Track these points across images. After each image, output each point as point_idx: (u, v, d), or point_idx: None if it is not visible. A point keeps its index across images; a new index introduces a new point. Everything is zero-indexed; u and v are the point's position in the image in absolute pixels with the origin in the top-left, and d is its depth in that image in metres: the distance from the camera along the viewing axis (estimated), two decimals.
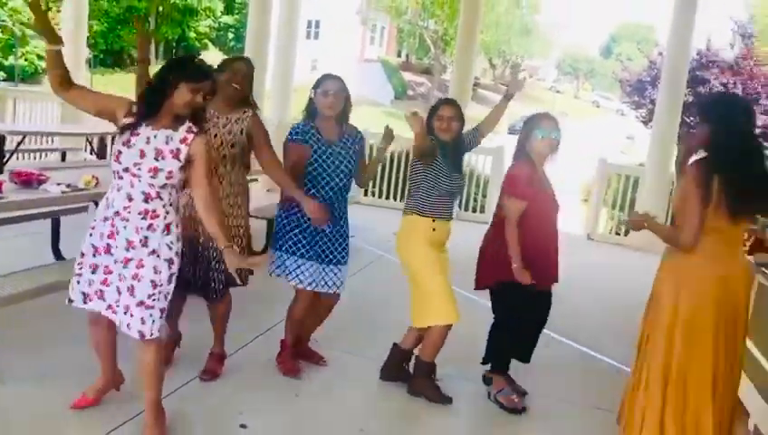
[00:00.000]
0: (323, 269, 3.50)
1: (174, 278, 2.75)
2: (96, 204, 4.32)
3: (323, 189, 3.44)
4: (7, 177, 3.72)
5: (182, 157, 2.65)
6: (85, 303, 2.76)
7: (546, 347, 3.94)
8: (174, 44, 45.01)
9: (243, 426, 3.07)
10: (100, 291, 2.72)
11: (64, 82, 2.69)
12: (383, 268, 5.51)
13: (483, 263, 3.55)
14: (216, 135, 3.26)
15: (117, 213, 2.67)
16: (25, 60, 35.68)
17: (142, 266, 2.66)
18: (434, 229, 3.46)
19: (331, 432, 3.17)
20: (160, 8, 42.27)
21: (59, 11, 12.98)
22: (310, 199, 3.31)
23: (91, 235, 2.74)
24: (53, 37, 2.68)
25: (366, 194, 9.29)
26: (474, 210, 9.23)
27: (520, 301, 3.39)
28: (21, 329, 3.59)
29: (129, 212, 2.66)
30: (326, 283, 3.52)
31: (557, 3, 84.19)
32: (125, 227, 2.67)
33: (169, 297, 2.74)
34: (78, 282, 2.76)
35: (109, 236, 2.69)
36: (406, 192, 3.70)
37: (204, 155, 2.69)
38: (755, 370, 3.67)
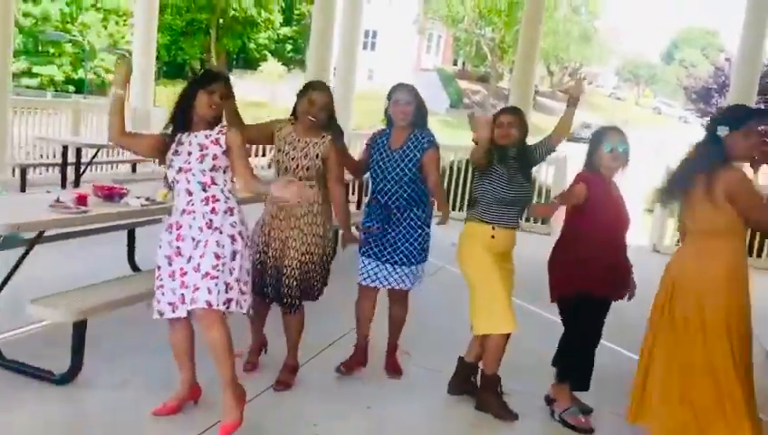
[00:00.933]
0: (385, 268, 3.65)
1: (239, 257, 2.91)
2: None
3: (379, 193, 3.65)
4: (91, 190, 3.88)
5: (222, 143, 2.94)
6: (174, 312, 2.91)
7: (611, 359, 3.84)
8: (234, 56, 46.05)
9: None
10: (182, 295, 2.88)
11: (123, 129, 3.00)
12: (444, 279, 5.51)
13: (554, 274, 3.50)
14: (293, 157, 3.37)
15: (183, 211, 2.91)
16: (94, 73, 37.06)
17: (206, 244, 2.88)
18: (493, 236, 3.44)
19: None
20: (221, 21, 43.34)
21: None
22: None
23: (160, 246, 2.96)
24: (123, 86, 3.00)
25: None
26: (536, 221, 9.13)
27: (594, 313, 3.36)
28: (105, 338, 3.72)
29: (194, 205, 2.92)
30: (387, 280, 3.67)
31: (617, 8, 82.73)
32: (194, 219, 2.91)
33: (235, 274, 2.89)
34: (162, 293, 2.92)
35: (177, 239, 2.91)
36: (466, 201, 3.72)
37: (240, 145, 2.98)
38: None
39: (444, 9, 40.35)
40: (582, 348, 3.44)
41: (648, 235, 9.06)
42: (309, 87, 3.47)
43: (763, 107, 13.96)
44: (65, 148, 7.38)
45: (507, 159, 3.45)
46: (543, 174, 9.31)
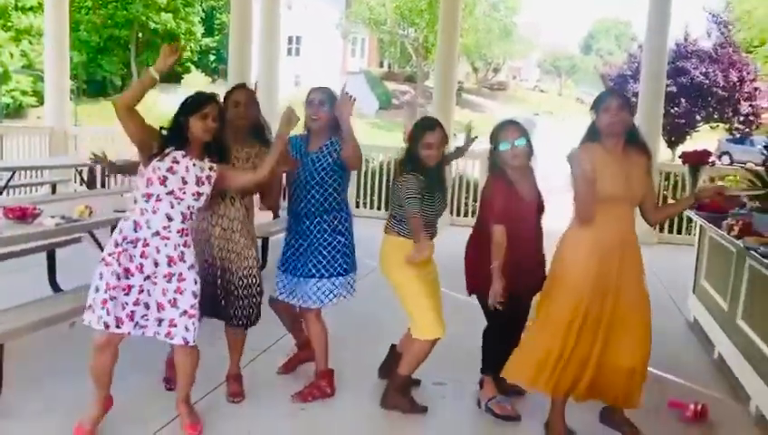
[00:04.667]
0: (297, 281, 3.51)
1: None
2: (92, 234, 4.37)
3: (293, 201, 3.51)
4: (1, 213, 3.75)
5: (212, 182, 2.98)
6: (118, 327, 2.86)
7: None
8: None
9: None
10: (132, 312, 2.88)
11: (133, 105, 2.88)
12: (378, 281, 5.53)
13: (468, 270, 3.56)
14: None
15: (156, 233, 2.88)
16: (11, 97, 35.70)
17: (184, 280, 2.92)
18: None
19: None
20: (140, 35, 42.35)
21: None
22: None
23: (117, 260, 2.86)
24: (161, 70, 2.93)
25: (357, 206, 9.32)
26: (465, 214, 9.29)
27: (507, 304, 3.32)
28: (23, 363, 3.59)
29: (170, 231, 2.90)
30: (294, 295, 3.54)
31: (535, 3, 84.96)
32: (165, 245, 2.90)
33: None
34: (113, 306, 2.83)
35: (141, 256, 2.87)
36: (389, 209, 3.63)
37: (226, 169, 3.05)
38: (754, 353, 3.73)
39: (366, 12, 40.48)
40: (499, 339, 3.50)
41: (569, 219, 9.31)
42: (228, 94, 3.44)
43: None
44: None
45: (433, 178, 3.39)
46: (470, 168, 9.50)
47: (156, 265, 2.90)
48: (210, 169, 2.98)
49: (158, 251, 2.89)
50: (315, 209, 3.45)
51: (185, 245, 2.94)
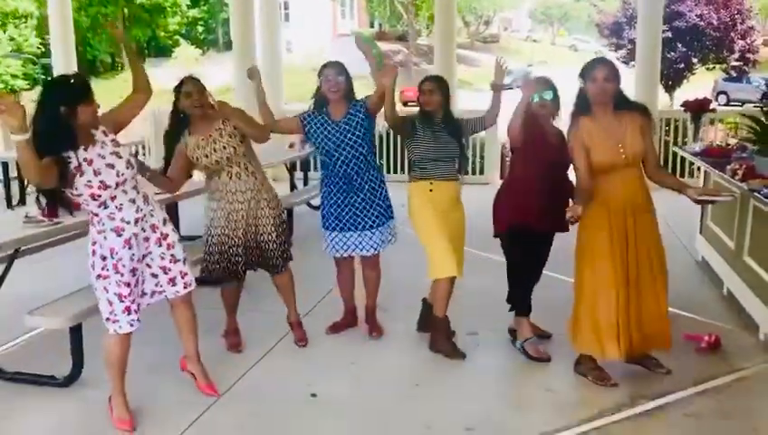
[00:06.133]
0: (352, 235, 3.95)
1: None
2: None
3: (335, 164, 3.89)
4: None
5: (115, 136, 3.06)
6: (138, 321, 3.12)
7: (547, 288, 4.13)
8: (145, 45, 44.72)
9: (313, 395, 3.45)
10: (145, 290, 3.17)
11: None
12: (400, 238, 5.78)
13: (498, 210, 3.87)
14: (220, 153, 3.65)
15: (136, 221, 3.04)
16: (2, 81, 35.52)
17: (167, 235, 3.18)
18: (431, 190, 3.82)
19: (387, 389, 3.55)
20: (126, 11, 41.91)
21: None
22: None
23: (115, 270, 2.98)
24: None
25: None
26: (473, 172, 9.53)
27: (531, 243, 3.74)
28: (95, 340, 3.90)
29: (140, 209, 3.06)
30: (358, 247, 3.98)
31: None
32: (145, 221, 3.08)
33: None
34: (136, 306, 3.07)
35: (124, 246, 3.00)
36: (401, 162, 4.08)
37: (106, 113, 3.12)
38: (762, 286, 4.05)
39: None
40: (521, 277, 3.85)
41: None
42: (176, 88, 3.68)
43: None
44: (5, 164, 7.31)
45: (431, 122, 3.84)
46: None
47: (146, 240, 3.11)
48: (103, 132, 2.99)
49: (144, 230, 3.09)
50: (364, 166, 3.92)
51: (148, 204, 3.12)
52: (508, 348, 3.97)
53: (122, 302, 3.01)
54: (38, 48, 37.21)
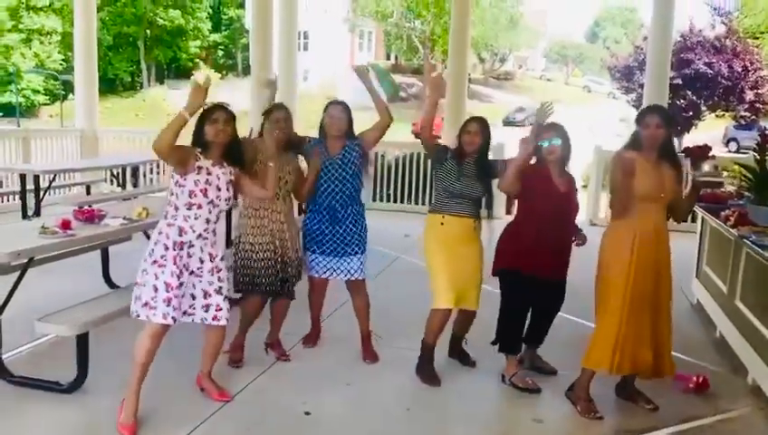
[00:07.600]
0: (334, 260, 4.19)
1: None
2: (146, 233, 4.79)
3: (322, 195, 4.14)
4: (71, 215, 4.18)
5: (231, 186, 3.46)
6: (186, 317, 3.39)
7: (560, 328, 4.27)
8: (165, 67, 45.49)
9: (307, 413, 3.55)
10: (203, 306, 3.43)
11: (173, 145, 3.17)
12: (401, 267, 5.91)
13: (496, 250, 3.99)
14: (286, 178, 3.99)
15: (199, 235, 3.34)
16: (24, 96, 36.22)
17: (221, 270, 3.47)
18: (442, 223, 3.96)
19: (378, 410, 3.64)
20: (149, 32, 42.72)
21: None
22: None
23: (172, 262, 3.26)
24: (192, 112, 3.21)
25: (374, 199, 9.67)
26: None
27: (519, 287, 3.84)
28: (100, 348, 4.01)
29: (209, 232, 3.41)
30: (340, 271, 4.20)
31: None
32: (206, 244, 3.39)
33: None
34: (178, 303, 3.30)
35: (188, 256, 3.34)
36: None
37: (242, 174, 3.52)
38: (752, 332, 4.14)
39: (373, 5, 40.79)
40: (508, 320, 3.93)
41: (583, 210, 9.67)
42: (267, 112, 4.01)
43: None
44: (23, 176, 7.52)
45: (464, 159, 3.96)
46: None
47: (201, 262, 3.38)
48: (230, 172, 3.44)
49: (202, 250, 3.37)
50: (349, 200, 4.16)
51: (215, 235, 3.45)
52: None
53: (168, 292, 3.24)
54: (60, 64, 38.01)
